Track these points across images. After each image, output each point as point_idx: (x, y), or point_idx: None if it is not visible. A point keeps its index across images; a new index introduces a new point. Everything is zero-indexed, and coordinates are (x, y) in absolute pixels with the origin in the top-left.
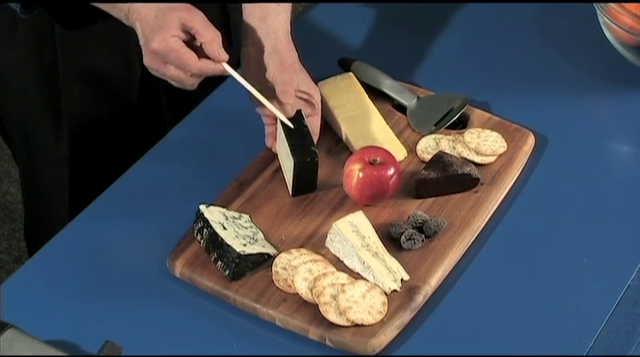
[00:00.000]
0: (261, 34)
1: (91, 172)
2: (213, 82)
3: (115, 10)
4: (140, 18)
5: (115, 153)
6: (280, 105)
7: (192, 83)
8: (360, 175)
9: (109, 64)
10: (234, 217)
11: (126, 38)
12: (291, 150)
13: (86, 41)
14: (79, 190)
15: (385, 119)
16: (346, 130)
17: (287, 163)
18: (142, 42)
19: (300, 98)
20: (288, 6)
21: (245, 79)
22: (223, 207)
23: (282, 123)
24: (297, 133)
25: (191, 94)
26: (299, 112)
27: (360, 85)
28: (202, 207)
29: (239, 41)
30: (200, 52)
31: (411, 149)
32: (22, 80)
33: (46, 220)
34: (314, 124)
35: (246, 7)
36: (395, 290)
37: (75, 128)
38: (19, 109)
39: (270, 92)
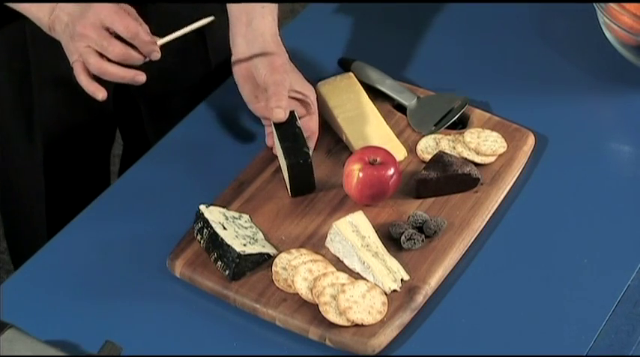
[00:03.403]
0: (249, 38)
1: (67, 178)
2: (195, 91)
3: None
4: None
5: (90, 160)
6: (272, 108)
7: (115, 70)
8: (360, 175)
9: None
10: (234, 217)
11: None
12: (284, 152)
13: (58, 48)
14: (55, 196)
15: (385, 119)
16: (346, 130)
17: (283, 164)
18: (72, 16)
19: (294, 98)
20: (273, 7)
21: (238, 86)
22: (223, 207)
23: (276, 124)
24: (289, 134)
25: (170, 101)
26: (292, 113)
27: (360, 85)
28: (202, 207)
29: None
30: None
31: (411, 149)
32: None
33: (24, 225)
34: (312, 124)
35: (232, 14)
36: (395, 290)
37: (49, 135)
38: None
39: (263, 96)
